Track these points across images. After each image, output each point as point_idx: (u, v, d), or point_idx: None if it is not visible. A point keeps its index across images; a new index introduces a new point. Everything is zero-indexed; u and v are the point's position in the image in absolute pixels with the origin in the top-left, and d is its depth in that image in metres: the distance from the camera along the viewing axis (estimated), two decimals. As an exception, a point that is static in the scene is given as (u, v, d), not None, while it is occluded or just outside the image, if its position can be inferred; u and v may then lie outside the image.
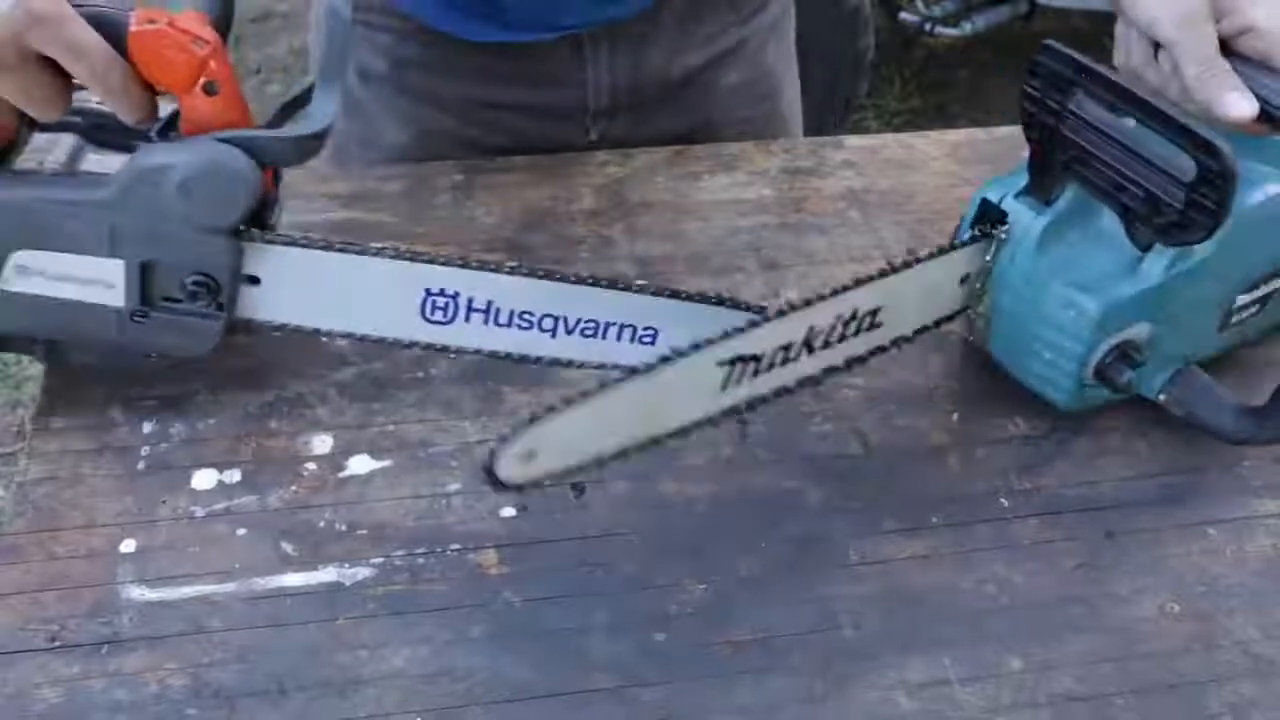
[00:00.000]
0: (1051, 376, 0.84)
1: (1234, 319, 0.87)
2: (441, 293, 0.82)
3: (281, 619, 0.74)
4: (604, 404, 0.72)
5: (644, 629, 0.75)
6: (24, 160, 0.79)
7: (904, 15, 3.17)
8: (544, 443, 0.71)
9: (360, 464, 0.84)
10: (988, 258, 0.84)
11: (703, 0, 1.13)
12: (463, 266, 0.82)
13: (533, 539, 0.80)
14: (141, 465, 0.83)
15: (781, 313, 0.77)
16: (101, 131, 0.81)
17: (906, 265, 0.81)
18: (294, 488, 0.82)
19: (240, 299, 0.81)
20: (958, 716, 0.72)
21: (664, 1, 1.10)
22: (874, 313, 0.81)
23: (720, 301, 0.86)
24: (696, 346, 0.74)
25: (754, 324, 0.76)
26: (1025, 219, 0.83)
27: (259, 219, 0.81)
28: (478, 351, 0.85)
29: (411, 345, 0.84)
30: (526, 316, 0.84)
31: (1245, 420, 0.83)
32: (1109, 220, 0.82)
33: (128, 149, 0.78)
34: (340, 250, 0.80)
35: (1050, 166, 0.82)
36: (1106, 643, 0.76)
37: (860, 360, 0.83)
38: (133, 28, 0.73)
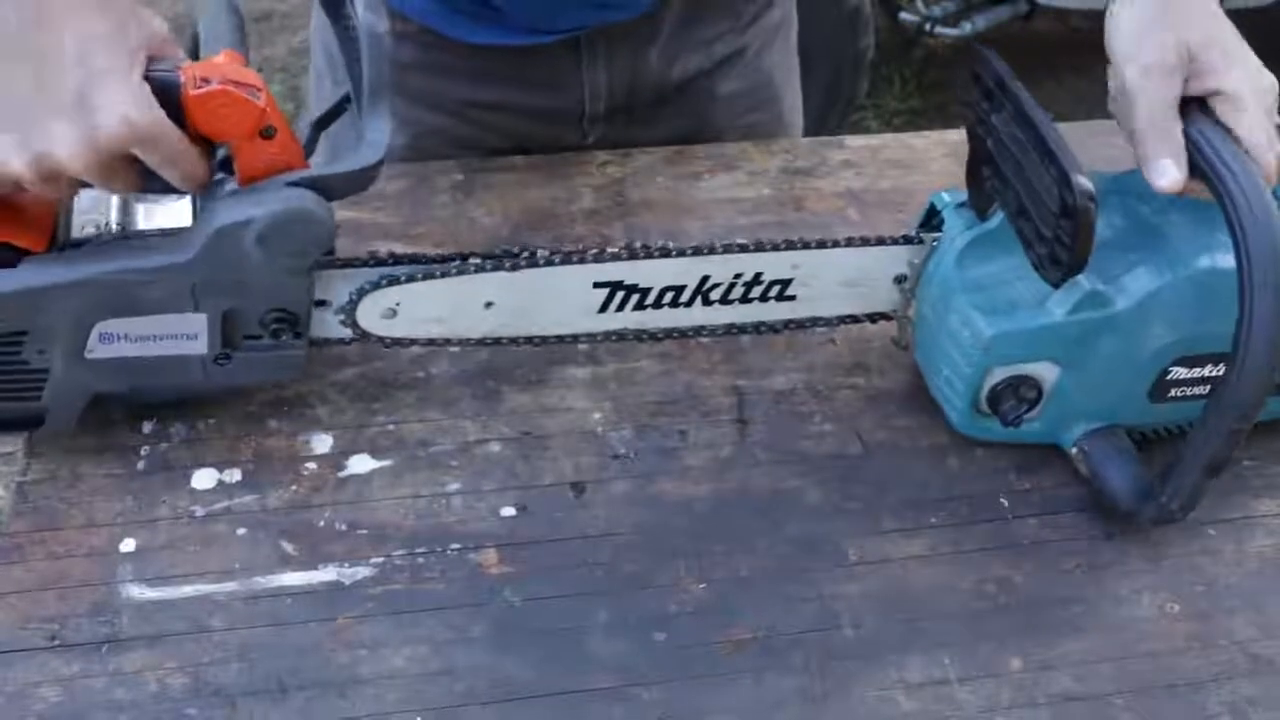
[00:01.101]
0: (948, 394, 0.84)
1: (1173, 392, 0.82)
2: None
3: (281, 618, 0.74)
4: (471, 282, 0.80)
5: (644, 629, 0.75)
6: (79, 221, 0.78)
7: (904, 15, 3.17)
8: (407, 300, 0.80)
9: (360, 464, 0.84)
10: (919, 261, 0.84)
11: (702, 5, 1.12)
12: (531, 265, 0.82)
13: (533, 539, 0.80)
14: (141, 465, 0.83)
15: (667, 253, 0.82)
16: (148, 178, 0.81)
17: (821, 245, 0.83)
18: (294, 487, 0.82)
19: (313, 320, 0.82)
20: (957, 716, 0.72)
21: (663, 6, 1.10)
22: (784, 284, 0.84)
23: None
24: (567, 260, 0.81)
25: (634, 255, 0.81)
26: (955, 230, 0.83)
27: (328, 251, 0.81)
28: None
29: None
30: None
31: (1139, 496, 0.80)
32: (1025, 260, 0.80)
33: (174, 190, 0.77)
34: (405, 264, 0.82)
35: (978, 178, 0.82)
36: (1106, 643, 0.76)
37: (774, 330, 0.86)
38: (191, 92, 0.72)
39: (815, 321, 0.87)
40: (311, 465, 0.83)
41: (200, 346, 0.80)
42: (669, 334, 0.85)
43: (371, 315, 0.81)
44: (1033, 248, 0.77)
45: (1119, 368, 0.81)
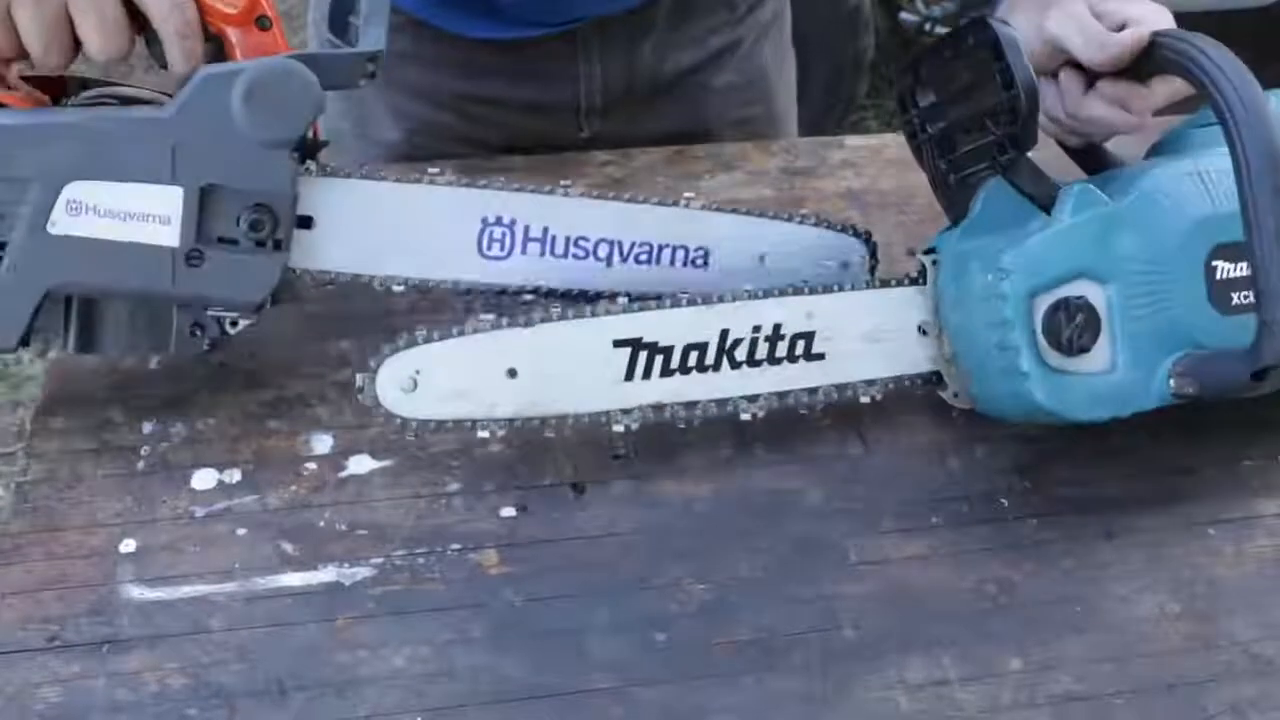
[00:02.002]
0: (1010, 370, 0.79)
1: (1234, 299, 0.80)
2: (499, 221, 0.82)
3: (281, 619, 0.74)
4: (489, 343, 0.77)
5: (644, 629, 0.75)
6: None
7: (904, 15, 3.17)
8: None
9: (360, 464, 0.84)
10: (932, 293, 0.84)
11: None
12: (520, 190, 0.83)
13: (533, 539, 0.80)
14: (141, 465, 0.83)
15: (679, 303, 0.80)
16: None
17: (826, 289, 0.83)
18: (294, 488, 0.82)
19: (295, 247, 0.80)
20: (957, 716, 0.72)
21: None
22: (807, 338, 0.82)
23: (776, 216, 0.89)
24: (583, 314, 0.79)
25: (647, 306, 0.80)
26: (947, 238, 0.85)
27: (310, 156, 0.80)
28: (536, 290, 0.85)
29: (469, 289, 0.84)
30: (582, 243, 0.86)
31: (1249, 360, 0.75)
32: (1019, 206, 0.82)
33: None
34: (397, 181, 0.80)
35: (943, 180, 0.85)
36: (1106, 643, 0.76)
37: (811, 397, 0.83)
38: None
39: (853, 389, 0.84)
40: (311, 465, 0.83)
41: (172, 235, 0.77)
42: (705, 409, 0.82)
43: (392, 390, 0.79)
44: (997, 144, 0.81)
45: (1158, 269, 0.80)
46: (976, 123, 0.83)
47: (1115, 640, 0.76)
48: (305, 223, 0.80)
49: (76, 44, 0.74)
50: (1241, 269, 0.80)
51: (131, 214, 0.76)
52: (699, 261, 0.89)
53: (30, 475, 0.81)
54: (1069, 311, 0.78)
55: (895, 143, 1.15)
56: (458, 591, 0.76)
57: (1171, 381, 0.79)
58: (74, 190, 0.75)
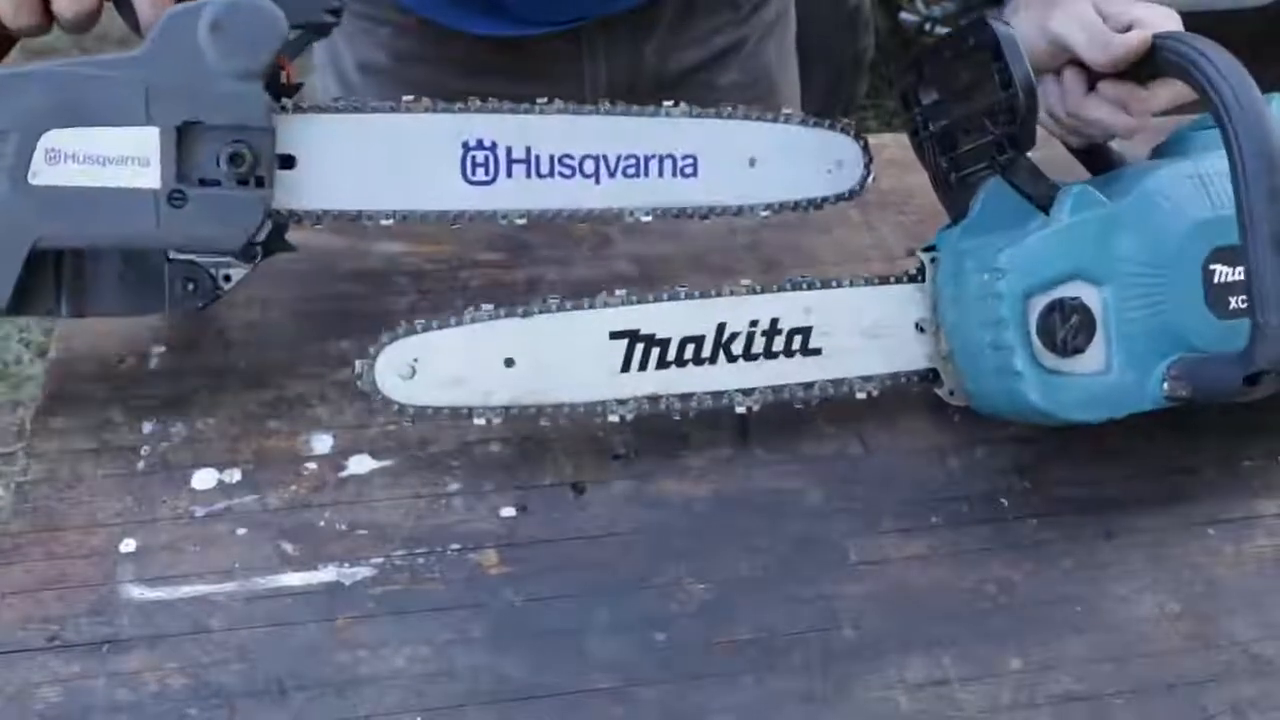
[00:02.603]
0: (1005, 369, 0.79)
1: (1231, 303, 0.80)
2: (480, 145, 0.82)
3: (281, 619, 0.74)
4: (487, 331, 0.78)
5: (644, 629, 0.75)
6: None
7: (904, 15, 3.17)
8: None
9: (360, 464, 0.84)
10: (930, 290, 0.84)
11: None
12: (497, 111, 0.83)
13: (533, 539, 0.80)
14: (141, 465, 0.83)
15: (677, 296, 0.80)
16: None
17: (825, 284, 0.83)
18: (294, 488, 0.82)
19: (278, 188, 0.80)
20: (957, 716, 0.72)
21: None
22: (804, 333, 0.82)
23: (760, 117, 0.88)
24: (580, 306, 0.79)
25: (645, 299, 0.80)
26: (947, 236, 0.85)
27: (288, 97, 0.80)
28: (527, 213, 0.85)
29: (457, 218, 0.84)
30: (568, 161, 0.85)
31: (1245, 356, 0.75)
32: (1018, 206, 0.82)
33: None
34: (374, 110, 0.80)
35: (944, 178, 0.85)
36: (1106, 643, 0.76)
37: (807, 392, 0.83)
38: None
39: (849, 384, 0.84)
40: (311, 465, 0.83)
41: (153, 177, 0.77)
42: (701, 402, 0.82)
43: (390, 376, 0.79)
44: (998, 144, 0.81)
45: (1155, 271, 0.79)
46: (976, 122, 0.83)
47: (1115, 640, 0.76)
48: (287, 163, 0.80)
49: (47, 7, 0.75)
50: (1240, 273, 0.78)
51: (110, 158, 0.76)
52: (688, 170, 0.88)
53: (30, 475, 0.81)
54: (1064, 312, 0.78)
55: (895, 143, 1.15)
56: (458, 591, 0.76)
57: (1165, 384, 0.79)
58: (51, 139, 0.75)
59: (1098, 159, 0.91)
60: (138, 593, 0.75)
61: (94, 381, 0.87)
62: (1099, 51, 0.84)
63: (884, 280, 0.85)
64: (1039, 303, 0.78)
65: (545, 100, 0.85)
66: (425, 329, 0.78)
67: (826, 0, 2.71)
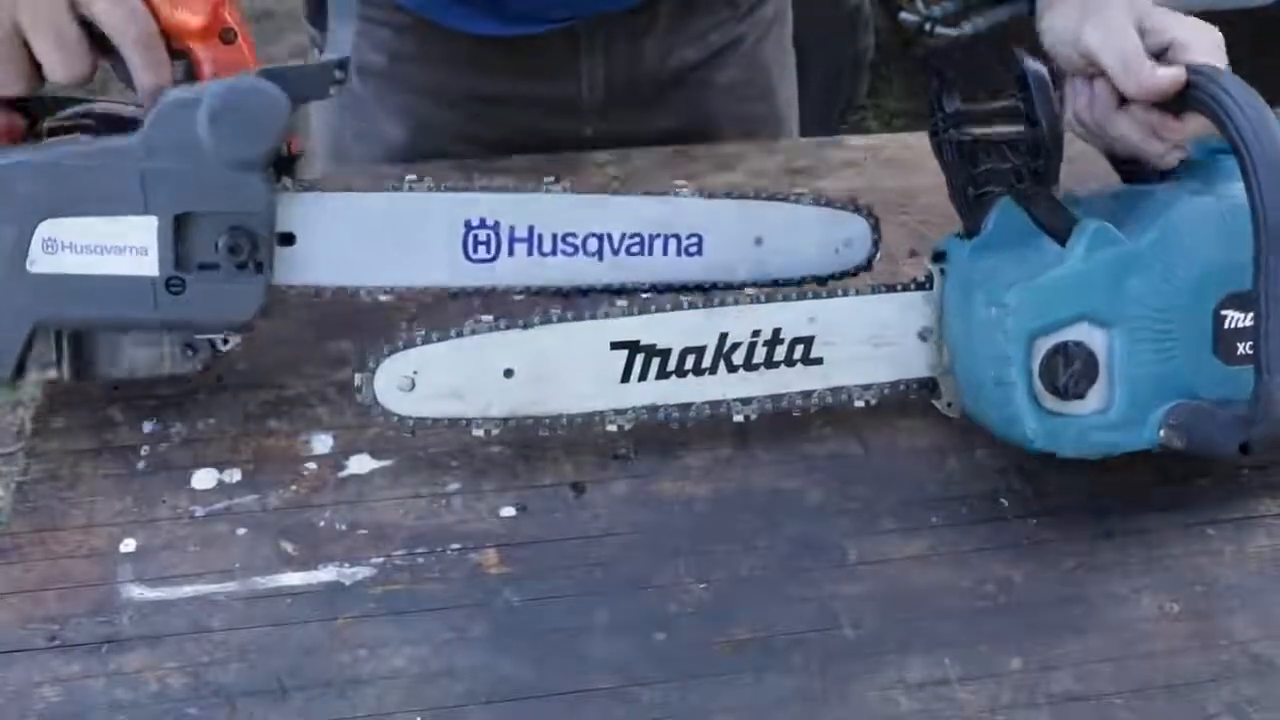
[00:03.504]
0: (1005, 403, 0.79)
1: (1240, 348, 0.79)
2: (483, 224, 0.81)
3: (281, 618, 0.74)
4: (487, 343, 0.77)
5: (644, 629, 0.75)
6: None
7: (904, 15, 3.17)
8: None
9: (360, 464, 0.84)
10: (936, 301, 0.83)
11: None
12: (502, 190, 0.82)
13: (533, 539, 0.80)
14: (141, 465, 0.83)
15: (679, 306, 0.80)
16: (113, 129, 0.79)
17: (830, 293, 0.82)
18: (294, 487, 0.82)
19: (277, 263, 0.79)
20: (957, 716, 0.72)
21: None
22: (807, 342, 0.81)
23: (770, 197, 0.87)
24: (581, 316, 0.78)
25: (646, 309, 0.79)
26: (958, 250, 0.83)
27: (287, 171, 0.79)
28: (525, 290, 0.84)
29: (458, 293, 0.83)
30: (570, 240, 0.84)
31: (1240, 428, 0.75)
32: (1032, 232, 0.80)
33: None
34: (375, 191, 0.79)
35: (961, 189, 0.83)
36: (1106, 643, 0.76)
37: (805, 400, 0.83)
38: None
39: (850, 393, 0.84)
40: (311, 465, 0.83)
41: (151, 265, 0.76)
42: (700, 410, 0.82)
43: (389, 388, 0.79)
44: (1018, 173, 0.79)
45: (1166, 317, 0.78)
46: (998, 147, 0.82)
47: (1115, 640, 0.76)
48: (287, 239, 0.80)
49: (38, 68, 0.74)
50: (1251, 319, 0.77)
51: (108, 247, 0.76)
52: (692, 249, 0.88)
53: (30, 475, 0.81)
54: (1067, 357, 0.77)
55: (895, 143, 1.16)
56: (458, 591, 0.76)
57: (1161, 432, 0.78)
58: (48, 228, 0.75)
59: (1128, 162, 0.88)
60: (138, 593, 0.75)
61: (94, 382, 0.87)
62: (1131, 83, 0.80)
63: (890, 288, 0.85)
64: (1044, 344, 0.77)
65: (551, 179, 0.84)
66: (425, 341, 0.78)
67: (826, 0, 2.71)
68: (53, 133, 0.79)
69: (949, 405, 0.85)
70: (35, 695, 0.70)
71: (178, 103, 0.74)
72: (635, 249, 0.86)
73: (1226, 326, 0.79)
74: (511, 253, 0.83)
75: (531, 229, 0.83)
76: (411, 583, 0.77)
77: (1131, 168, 0.87)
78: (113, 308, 0.78)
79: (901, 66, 3.38)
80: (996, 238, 0.82)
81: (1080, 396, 0.78)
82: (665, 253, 0.87)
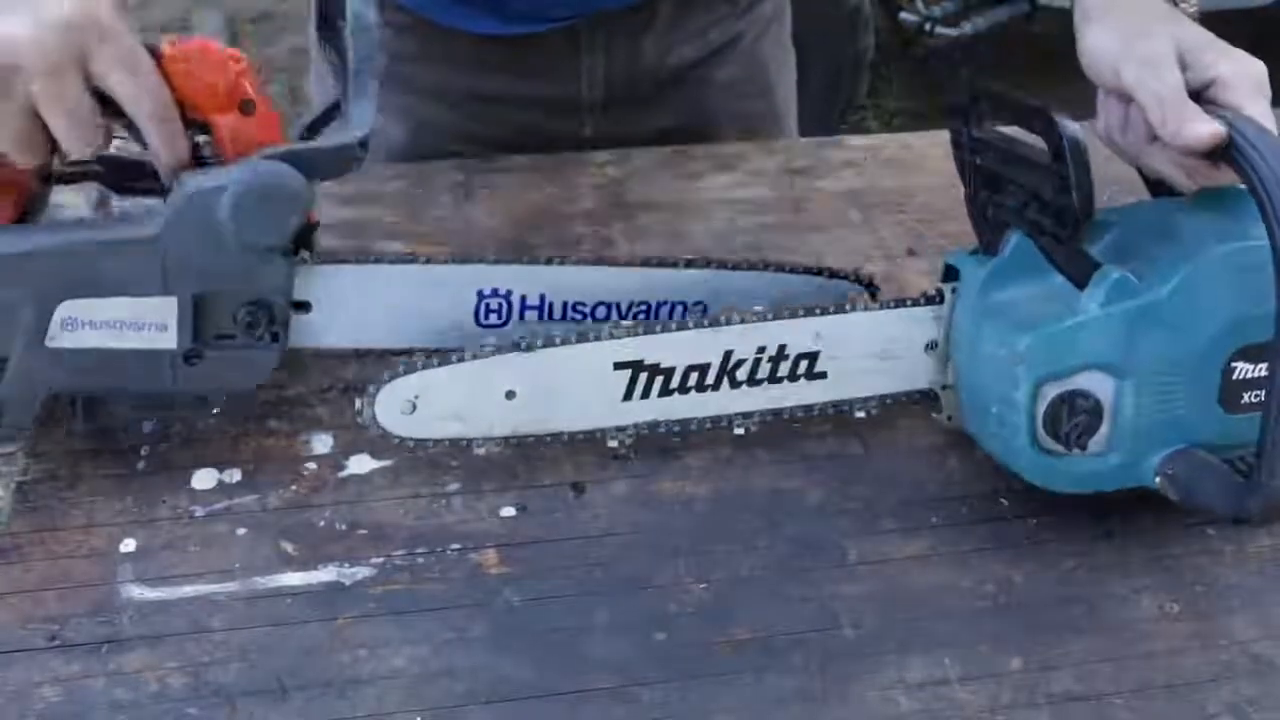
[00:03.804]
0: (1008, 439, 0.78)
1: (1245, 397, 0.78)
2: (495, 293, 0.82)
3: (281, 618, 0.74)
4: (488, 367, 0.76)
5: (644, 629, 0.75)
6: (50, 214, 0.77)
7: (904, 15, 3.17)
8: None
9: (360, 464, 0.84)
10: (945, 316, 0.82)
11: None
12: (515, 263, 0.82)
13: (533, 539, 0.80)
14: (141, 465, 0.83)
15: (685, 327, 0.79)
16: (125, 178, 0.79)
17: (839, 309, 0.81)
18: (294, 487, 0.82)
19: (293, 329, 0.80)
20: (957, 716, 0.72)
21: None
22: (811, 358, 0.81)
23: (767, 267, 0.87)
24: (585, 338, 0.77)
25: (652, 329, 0.78)
26: (971, 271, 0.81)
27: (305, 242, 0.79)
28: None
29: (460, 356, 0.84)
30: (580, 307, 0.86)
31: (1239, 496, 0.75)
32: (1051, 272, 0.79)
33: (154, 192, 0.76)
34: (392, 263, 0.79)
35: (980, 206, 0.81)
36: (1106, 642, 0.76)
37: (807, 414, 0.83)
38: (168, 49, 0.71)
39: (853, 404, 0.84)
40: (311, 465, 0.83)
41: (169, 340, 0.77)
42: (701, 425, 0.82)
43: (391, 410, 0.78)
44: (1040, 226, 0.76)
45: (1177, 369, 0.77)
46: (1024, 192, 0.79)
47: (1115, 640, 0.76)
48: (303, 306, 0.80)
49: (53, 144, 0.72)
50: (1260, 370, 0.77)
51: (127, 323, 0.76)
52: (698, 314, 0.89)
53: (30, 475, 0.81)
54: (1073, 407, 0.76)
55: (895, 143, 1.16)
56: (458, 591, 0.76)
57: (1157, 478, 0.78)
58: (67, 308, 0.75)
59: (1158, 182, 0.86)
60: (138, 592, 0.75)
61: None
62: (1168, 131, 0.76)
63: (900, 303, 0.83)
64: (1051, 390, 0.76)
65: (562, 258, 0.85)
66: (426, 366, 0.77)
67: (826, 0, 2.71)
68: (62, 179, 0.79)
69: (949, 419, 0.85)
70: (35, 695, 0.70)
71: (198, 194, 0.73)
72: (642, 315, 0.88)
73: (1235, 377, 0.78)
74: (522, 317, 0.85)
75: (543, 297, 0.85)
76: (411, 583, 0.77)
77: (1159, 185, 0.85)
78: (131, 380, 0.78)
79: (901, 66, 3.38)
80: (1012, 267, 0.80)
81: (1082, 448, 0.77)
82: (671, 318, 0.88)
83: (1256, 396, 0.77)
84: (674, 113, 1.18)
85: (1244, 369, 0.77)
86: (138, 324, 0.76)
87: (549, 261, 0.85)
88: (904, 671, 0.73)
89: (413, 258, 0.82)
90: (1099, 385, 0.77)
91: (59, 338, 0.75)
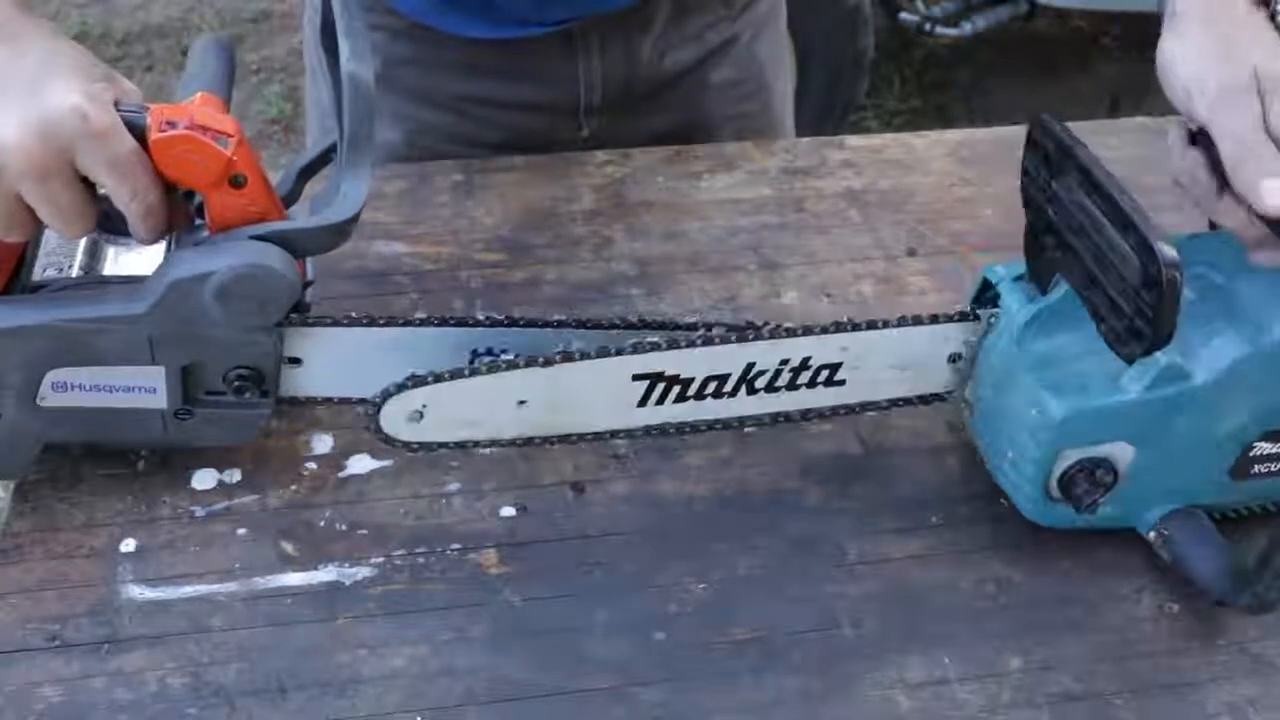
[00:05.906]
0: (1014, 479, 0.78)
1: (1256, 468, 0.78)
2: (489, 352, 0.82)
3: (281, 618, 0.74)
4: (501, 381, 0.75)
5: (644, 629, 0.75)
6: (42, 264, 0.77)
7: (904, 15, 3.17)
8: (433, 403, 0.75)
9: (360, 464, 0.84)
10: (975, 339, 0.80)
11: None
12: (507, 326, 0.81)
13: (533, 539, 0.80)
14: (141, 465, 0.83)
15: (710, 341, 0.77)
16: (117, 221, 0.77)
17: (871, 325, 0.79)
18: (294, 488, 0.82)
19: (283, 381, 0.80)
20: (957, 716, 0.72)
21: None
22: (833, 368, 0.80)
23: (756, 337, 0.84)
24: (606, 352, 0.76)
25: (675, 344, 0.77)
26: (1015, 305, 0.78)
27: (296, 305, 0.78)
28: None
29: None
30: None
31: (1231, 582, 0.74)
32: (1098, 337, 0.75)
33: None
34: (384, 325, 0.78)
35: (1039, 248, 0.78)
36: (1106, 643, 0.76)
37: (822, 416, 0.82)
38: (154, 135, 0.70)
39: (866, 406, 0.83)
40: (311, 465, 0.83)
41: (159, 400, 0.77)
42: (711, 426, 0.81)
43: (397, 420, 0.77)
44: (1106, 321, 0.73)
45: (1200, 446, 0.76)
46: (1100, 292, 0.73)
47: (1115, 640, 0.76)
48: (293, 361, 0.80)
49: (39, 221, 0.72)
50: (1273, 448, 0.77)
51: (117, 386, 0.76)
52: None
53: (30, 475, 0.81)
54: (1091, 476, 0.75)
55: (895, 143, 1.16)
56: (458, 591, 0.76)
57: (1152, 534, 0.78)
58: (57, 374, 0.75)
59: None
60: (138, 593, 0.75)
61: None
62: (1246, 192, 0.70)
63: (933, 319, 0.80)
64: (1073, 455, 0.75)
65: (561, 317, 0.83)
66: (437, 380, 0.76)
67: (826, 0, 2.71)
68: None
69: (961, 429, 0.84)
70: (35, 695, 0.70)
71: (184, 280, 0.73)
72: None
73: (1252, 454, 0.77)
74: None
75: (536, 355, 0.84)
76: (411, 583, 0.77)
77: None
78: (122, 434, 0.79)
79: (901, 66, 3.38)
80: (1059, 316, 0.77)
81: (1092, 513, 0.77)
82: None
83: (1265, 468, 0.77)
84: (671, 115, 1.18)
85: (1264, 447, 0.77)
86: (127, 386, 0.76)
87: (545, 326, 0.82)
88: (904, 671, 0.73)
89: (403, 320, 0.81)
90: (1120, 453, 0.76)
91: (49, 398, 0.76)
